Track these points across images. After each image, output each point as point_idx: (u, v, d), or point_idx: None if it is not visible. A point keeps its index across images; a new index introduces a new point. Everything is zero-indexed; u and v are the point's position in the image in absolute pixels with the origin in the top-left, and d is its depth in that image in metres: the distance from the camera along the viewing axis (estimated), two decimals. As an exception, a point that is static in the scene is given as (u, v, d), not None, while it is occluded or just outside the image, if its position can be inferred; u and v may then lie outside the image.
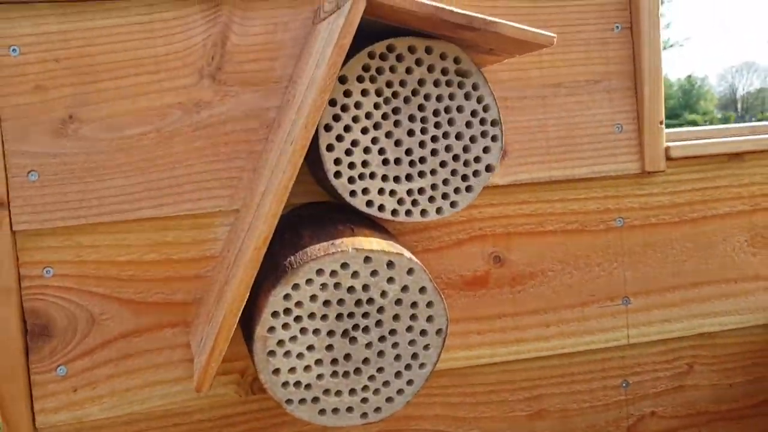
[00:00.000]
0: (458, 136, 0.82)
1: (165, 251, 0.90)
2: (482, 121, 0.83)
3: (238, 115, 0.90)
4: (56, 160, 0.86)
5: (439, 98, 0.81)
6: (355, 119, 0.79)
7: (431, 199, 0.82)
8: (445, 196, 0.83)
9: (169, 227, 0.90)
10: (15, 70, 0.85)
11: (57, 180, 0.86)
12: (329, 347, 0.78)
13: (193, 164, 0.89)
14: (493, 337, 0.98)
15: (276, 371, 0.76)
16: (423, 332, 0.79)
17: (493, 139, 0.83)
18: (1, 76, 0.84)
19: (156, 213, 0.89)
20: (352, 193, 0.80)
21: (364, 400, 0.79)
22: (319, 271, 0.75)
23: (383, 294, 0.77)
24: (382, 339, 0.79)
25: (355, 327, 0.78)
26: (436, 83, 0.81)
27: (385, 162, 0.81)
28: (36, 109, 0.85)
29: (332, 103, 0.78)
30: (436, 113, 0.81)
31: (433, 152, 0.82)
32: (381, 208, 0.81)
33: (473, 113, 0.82)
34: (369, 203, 0.81)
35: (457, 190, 0.83)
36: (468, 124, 0.82)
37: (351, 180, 0.80)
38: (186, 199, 0.89)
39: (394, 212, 0.82)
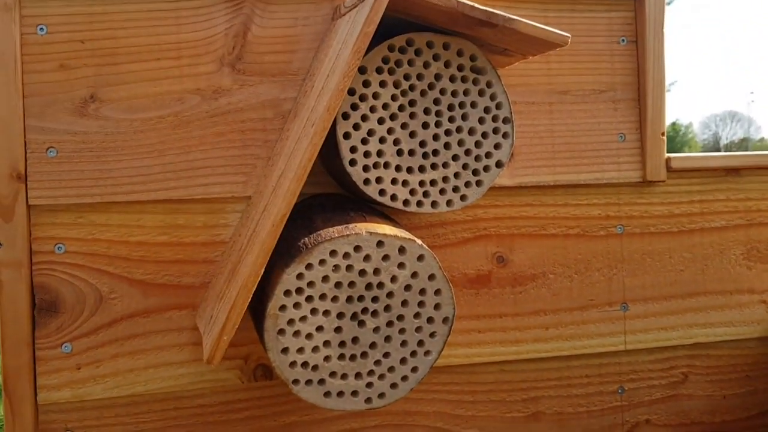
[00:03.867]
0: (471, 131, 0.84)
1: (176, 234, 0.91)
2: (495, 118, 0.85)
3: (254, 104, 0.92)
4: (75, 138, 0.87)
5: (454, 93, 0.84)
6: (373, 109, 0.82)
7: (442, 191, 0.84)
8: (455, 189, 0.85)
9: (181, 210, 0.91)
10: (41, 48, 0.86)
11: (75, 157, 0.87)
12: (338, 329, 0.79)
13: (208, 149, 0.91)
14: (494, 336, 1.00)
15: (285, 350, 0.77)
16: (430, 319, 0.81)
17: (505, 136, 0.85)
18: (27, 54, 0.86)
19: (169, 195, 0.90)
20: (366, 182, 0.82)
21: (369, 385, 0.80)
22: (333, 252, 0.77)
23: (393, 279, 0.79)
24: (389, 324, 0.80)
25: (364, 311, 0.79)
26: (452, 78, 0.83)
27: (400, 152, 0.83)
28: (59, 87, 0.87)
29: (351, 92, 0.81)
30: (450, 108, 0.84)
31: (446, 145, 0.84)
32: (393, 197, 0.83)
33: (486, 110, 0.85)
34: (382, 192, 0.83)
35: (467, 184, 0.85)
36: (481, 120, 0.85)
37: (365, 168, 0.82)
38: (199, 183, 0.91)
39: (405, 202, 0.83)
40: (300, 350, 0.78)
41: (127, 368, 0.89)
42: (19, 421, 0.87)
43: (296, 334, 0.77)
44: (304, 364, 0.78)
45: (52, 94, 0.87)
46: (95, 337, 0.89)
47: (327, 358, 0.79)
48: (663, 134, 1.04)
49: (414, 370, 0.81)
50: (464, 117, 0.84)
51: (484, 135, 0.85)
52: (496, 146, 0.85)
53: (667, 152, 1.05)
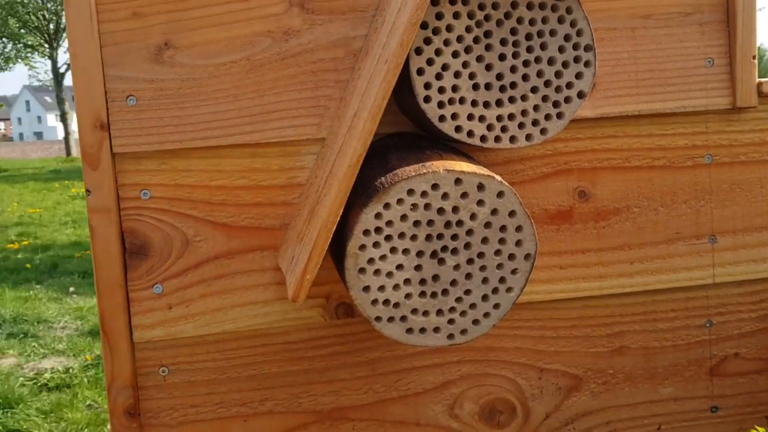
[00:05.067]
0: (550, 61, 0.81)
1: (254, 177, 0.92)
2: (575, 46, 0.81)
3: (325, 43, 0.91)
4: (153, 85, 0.89)
5: (531, 22, 0.80)
6: (447, 42, 0.79)
7: (521, 125, 0.82)
8: (535, 122, 0.82)
9: (258, 154, 0.92)
10: None
11: (153, 105, 0.89)
12: (418, 267, 0.79)
13: (280, 92, 0.91)
14: (576, 272, 0.98)
15: (366, 288, 0.78)
16: (511, 256, 0.80)
17: (586, 64, 0.82)
18: (101, 3, 0.87)
19: (246, 140, 0.91)
20: (441, 118, 0.81)
21: (451, 321, 0.81)
22: (410, 191, 0.76)
23: (473, 216, 0.78)
24: (470, 261, 0.79)
25: (444, 248, 0.79)
26: (530, 6, 0.80)
27: (476, 87, 0.81)
28: (134, 35, 0.88)
29: (424, 26, 0.78)
30: (528, 37, 0.80)
31: (525, 77, 0.81)
32: (470, 133, 0.81)
33: (566, 38, 0.81)
34: (458, 128, 0.81)
35: (547, 117, 0.82)
36: (561, 49, 0.81)
37: (440, 105, 0.80)
38: (274, 126, 0.91)
39: (483, 138, 0.82)
40: (381, 288, 0.78)
41: (215, 307, 0.92)
42: (117, 359, 0.91)
43: (377, 272, 0.78)
44: (386, 302, 0.79)
45: (127, 43, 0.88)
46: (184, 278, 0.92)
47: (408, 296, 0.79)
48: (754, 57, 0.97)
49: (496, 306, 0.81)
50: (543, 46, 0.81)
51: (565, 64, 0.81)
52: (578, 76, 0.82)
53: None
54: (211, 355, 0.94)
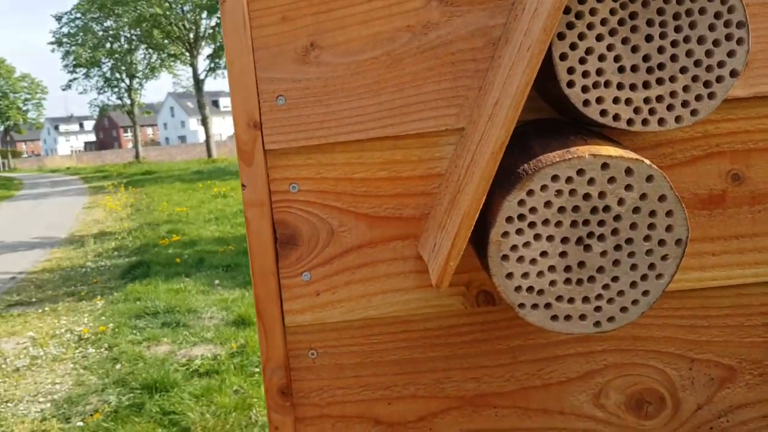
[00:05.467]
0: (700, 40, 0.78)
1: (394, 169, 0.95)
2: (726, 24, 0.78)
3: (464, 34, 0.92)
4: (299, 84, 0.94)
5: (679, 1, 0.77)
6: (590, 26, 0.78)
7: (670, 107, 0.79)
8: (685, 104, 0.79)
9: (398, 146, 0.95)
10: (265, 3, 0.93)
11: (300, 103, 0.94)
12: (563, 254, 0.78)
13: (420, 85, 0.93)
14: (730, 258, 0.93)
15: (509, 275, 0.79)
16: (661, 242, 0.77)
17: (739, 42, 0.78)
18: (253, 9, 0.93)
19: (386, 132, 0.94)
20: (586, 103, 0.79)
21: (598, 309, 0.79)
22: (554, 177, 0.76)
23: (620, 202, 0.76)
24: (617, 248, 0.78)
25: (590, 235, 0.78)
26: (678, -17, 0.77)
27: (621, 69, 0.79)
28: (282, 38, 0.93)
29: (566, 11, 0.78)
30: (676, 17, 0.78)
31: (673, 58, 0.78)
32: (616, 117, 0.80)
33: (717, 15, 0.77)
34: (603, 113, 0.80)
35: (698, 98, 0.79)
36: (711, 27, 0.78)
37: (585, 89, 0.79)
38: (414, 118, 0.93)
39: (629, 122, 0.80)
40: (525, 275, 0.78)
41: (359, 294, 0.96)
42: (271, 341, 0.98)
43: (520, 259, 0.78)
44: (530, 289, 0.79)
45: (277, 46, 0.94)
46: (330, 267, 0.96)
47: (552, 283, 0.79)
48: None
49: (645, 293, 0.79)
50: (692, 25, 0.78)
51: (716, 43, 0.78)
52: (730, 54, 0.78)
53: None
54: (356, 340, 0.98)
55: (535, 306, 0.79)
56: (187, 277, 5.86)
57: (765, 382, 0.95)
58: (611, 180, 0.76)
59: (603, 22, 0.78)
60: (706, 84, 0.78)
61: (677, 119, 0.79)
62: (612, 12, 0.78)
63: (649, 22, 0.78)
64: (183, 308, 4.90)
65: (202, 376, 3.65)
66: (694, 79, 0.78)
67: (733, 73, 0.78)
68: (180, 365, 3.86)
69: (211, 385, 3.51)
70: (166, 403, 3.36)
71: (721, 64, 0.78)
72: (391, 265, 0.96)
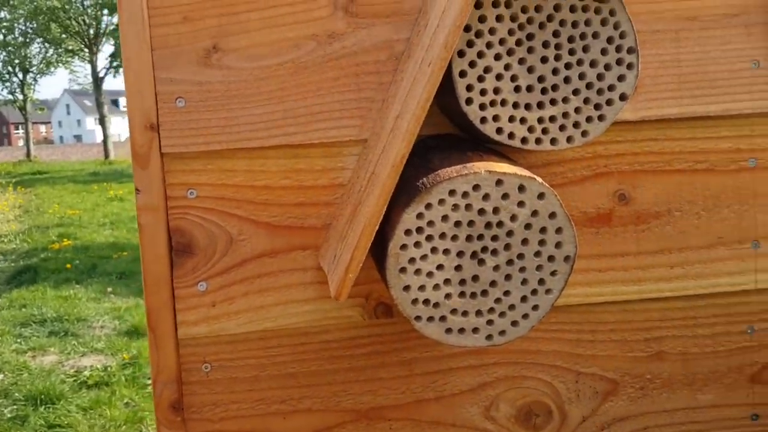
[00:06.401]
0: (593, 64, 0.81)
1: (297, 178, 0.94)
2: (618, 49, 0.82)
3: (368, 46, 0.92)
4: (201, 87, 0.91)
5: (574, 24, 0.81)
6: (489, 45, 0.80)
7: (562, 127, 0.82)
8: (576, 124, 0.82)
9: (301, 155, 0.94)
10: (165, 2, 0.90)
11: (201, 107, 0.91)
12: (458, 268, 0.80)
13: (324, 94, 0.93)
14: (615, 275, 0.98)
15: (406, 288, 0.79)
16: (551, 258, 0.80)
17: (629, 67, 0.82)
18: (153, 7, 0.90)
19: (289, 140, 0.93)
20: (483, 120, 0.81)
21: (490, 322, 0.81)
22: (452, 192, 0.77)
23: (513, 217, 0.79)
24: (509, 263, 0.80)
25: (484, 249, 0.80)
26: (572, 9, 0.80)
27: (517, 89, 0.81)
28: (184, 38, 0.91)
29: (466, 29, 0.79)
30: (570, 40, 0.81)
31: (566, 80, 0.82)
32: (511, 135, 0.82)
33: (609, 40, 0.81)
34: (499, 130, 0.82)
35: (589, 119, 0.82)
36: (603, 52, 0.81)
37: (482, 107, 0.81)
38: (317, 128, 0.93)
39: (524, 140, 0.82)
40: (421, 288, 0.79)
41: (257, 305, 0.94)
42: (162, 354, 0.94)
43: (417, 272, 0.79)
44: (426, 302, 0.80)
45: (178, 46, 0.91)
46: (227, 276, 0.94)
47: (448, 296, 0.80)
48: (803, 59, 0.96)
49: (535, 308, 0.81)
50: (585, 49, 0.81)
51: (607, 67, 0.82)
52: (620, 78, 0.82)
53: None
54: (253, 353, 0.95)
55: (430, 319, 0.80)
56: (78, 284, 5.59)
57: (646, 395, 1.01)
58: (505, 196, 0.78)
59: (501, 41, 0.80)
60: (597, 106, 0.82)
61: (568, 139, 0.82)
62: (510, 32, 0.80)
63: (545, 44, 0.81)
64: (72, 316, 4.66)
65: (91, 388, 3.49)
66: (586, 101, 0.82)
67: (623, 97, 0.82)
68: (67, 376, 3.67)
69: (101, 398, 3.35)
70: (52, 415, 3.18)
71: (611, 88, 0.82)
72: (290, 276, 0.95)
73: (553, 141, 0.82)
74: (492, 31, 0.80)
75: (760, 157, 0.99)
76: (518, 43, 0.80)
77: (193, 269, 0.93)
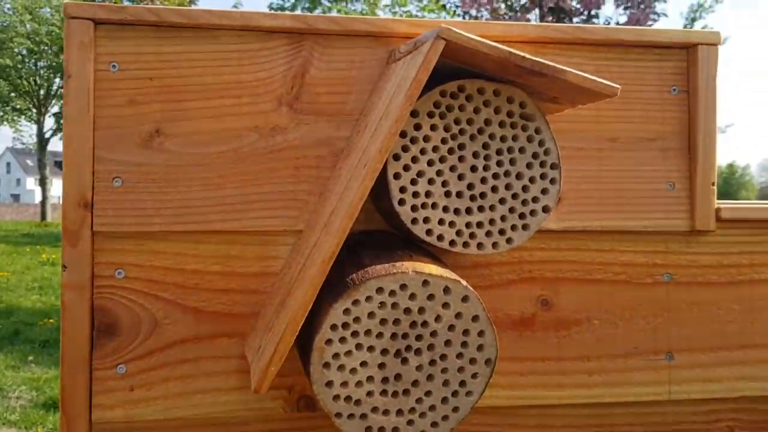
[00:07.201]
0: (518, 176, 0.86)
1: (229, 264, 0.94)
2: (542, 164, 0.87)
3: (310, 142, 0.96)
4: (140, 169, 0.92)
5: (503, 138, 0.86)
6: (423, 151, 0.84)
7: (488, 233, 0.86)
8: (501, 231, 0.86)
9: (235, 241, 0.94)
10: (113, 84, 0.92)
11: (139, 187, 0.92)
12: (381, 365, 0.80)
13: (263, 184, 0.95)
14: (536, 379, 1.00)
15: (329, 383, 0.79)
16: (472, 360, 0.82)
17: (552, 181, 0.87)
18: (100, 89, 0.92)
19: (224, 227, 0.94)
20: (414, 221, 0.84)
21: (410, 423, 0.82)
22: (379, 290, 0.79)
23: (437, 318, 0.81)
24: (432, 363, 0.81)
25: (408, 348, 0.81)
26: (501, 124, 0.85)
27: (448, 194, 0.85)
28: (127, 121, 0.92)
29: (402, 134, 0.83)
30: (499, 152, 0.86)
31: (494, 189, 0.86)
32: (440, 237, 0.85)
33: (534, 155, 0.86)
34: (429, 232, 0.85)
35: (513, 228, 0.86)
36: (528, 166, 0.86)
37: (414, 208, 0.84)
38: (254, 216, 0.94)
39: (452, 243, 0.85)
40: (344, 384, 0.80)
41: (176, 392, 0.92)
42: (72, 437, 0.90)
43: (341, 368, 0.79)
44: (347, 398, 0.80)
45: (121, 128, 0.92)
46: (149, 360, 0.92)
47: (370, 393, 0.80)
48: (713, 184, 1.04)
49: (455, 410, 0.82)
50: (512, 162, 0.86)
51: (532, 180, 0.86)
52: (543, 191, 0.87)
53: (723, 194, 1.04)
54: None
55: (351, 416, 0.80)
56: (-4, 351, 5.30)
57: None
58: (431, 297, 0.80)
59: (434, 149, 0.84)
60: (522, 216, 0.86)
61: (494, 245, 0.86)
62: (443, 141, 0.84)
63: (475, 154, 0.85)
64: (-14, 386, 4.40)
65: (-3, 465, 3.26)
66: (511, 210, 0.86)
67: (546, 209, 0.87)
68: (-28, 451, 3.43)
69: (6, 476, 3.13)
70: (-52, 495, 2.95)
71: (535, 200, 0.86)
72: (214, 364, 0.94)
73: (479, 246, 0.86)
74: (426, 139, 0.84)
75: (674, 273, 1.04)
76: (450, 151, 0.85)
77: (113, 351, 0.92)
